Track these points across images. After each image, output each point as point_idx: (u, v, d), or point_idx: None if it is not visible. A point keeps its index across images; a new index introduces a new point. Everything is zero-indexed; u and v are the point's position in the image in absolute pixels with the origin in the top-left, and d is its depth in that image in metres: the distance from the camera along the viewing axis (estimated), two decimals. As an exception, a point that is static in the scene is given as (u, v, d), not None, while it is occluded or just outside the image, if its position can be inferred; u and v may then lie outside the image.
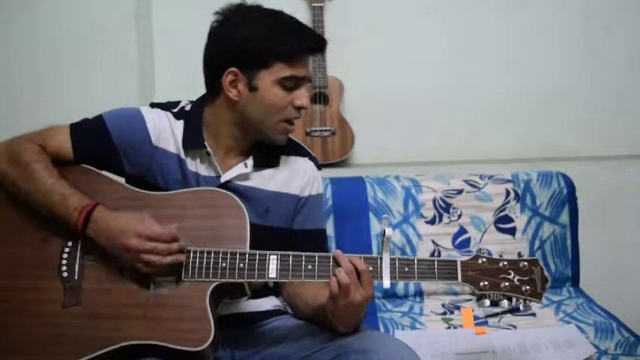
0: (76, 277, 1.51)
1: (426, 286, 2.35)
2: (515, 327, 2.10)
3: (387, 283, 1.49)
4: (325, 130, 2.82)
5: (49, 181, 1.52)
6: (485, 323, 2.13)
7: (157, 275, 1.49)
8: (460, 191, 2.39)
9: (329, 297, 1.48)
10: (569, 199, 2.40)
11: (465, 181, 2.40)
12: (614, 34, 2.93)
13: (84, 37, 2.77)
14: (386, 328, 2.12)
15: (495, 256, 1.53)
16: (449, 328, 2.12)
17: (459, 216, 2.38)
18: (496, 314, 2.18)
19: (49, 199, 1.51)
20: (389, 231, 1.48)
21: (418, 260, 1.51)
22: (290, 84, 1.58)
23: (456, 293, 2.36)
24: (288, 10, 1.64)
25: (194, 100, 1.70)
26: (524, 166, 2.55)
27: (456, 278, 1.50)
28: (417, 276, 1.50)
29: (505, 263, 1.51)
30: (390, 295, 2.35)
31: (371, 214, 2.35)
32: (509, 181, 2.41)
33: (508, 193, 2.39)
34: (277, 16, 1.61)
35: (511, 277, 1.50)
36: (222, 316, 1.61)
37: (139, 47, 2.79)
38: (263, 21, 1.58)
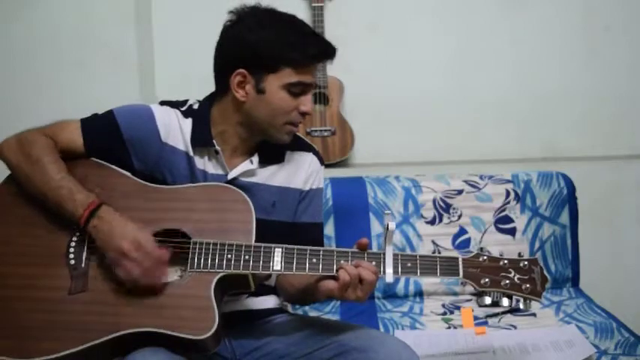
0: (82, 265, 1.53)
1: (426, 286, 2.35)
2: (515, 327, 2.10)
3: (389, 277, 1.50)
4: (325, 130, 2.82)
5: (58, 176, 1.55)
6: (486, 323, 2.13)
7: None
8: (460, 191, 2.39)
9: (338, 287, 1.49)
10: (569, 199, 2.40)
11: (465, 182, 2.41)
12: (614, 34, 2.92)
13: (84, 37, 2.77)
14: (386, 328, 2.12)
15: (496, 255, 1.55)
16: (449, 328, 2.12)
17: (459, 216, 2.38)
18: (496, 314, 2.18)
19: (57, 193, 1.53)
20: (392, 225, 1.50)
21: (420, 256, 1.52)
22: (297, 90, 1.60)
23: (455, 293, 2.36)
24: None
25: (201, 98, 1.71)
26: (524, 166, 2.55)
27: (458, 274, 1.52)
28: (419, 272, 1.51)
29: (506, 262, 1.54)
30: (390, 295, 2.35)
31: (371, 214, 2.35)
32: (509, 181, 2.41)
33: (508, 193, 2.39)
34: (290, 22, 1.63)
35: (511, 275, 1.53)
36: (224, 313, 1.62)
37: (138, 47, 2.79)
38: (276, 26, 1.59)
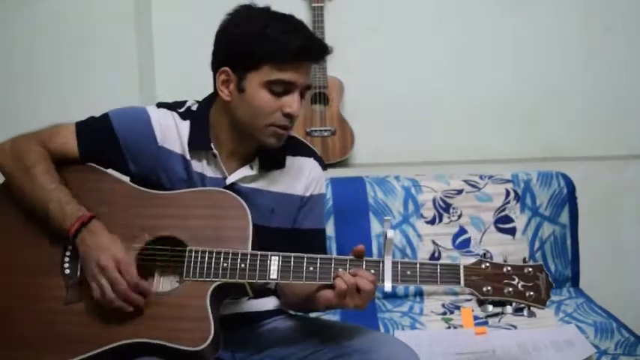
0: (78, 275, 1.51)
1: (427, 286, 2.35)
2: (515, 327, 2.10)
3: (388, 286, 1.47)
4: (325, 130, 2.82)
5: (49, 187, 1.52)
6: (486, 323, 2.13)
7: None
8: (460, 191, 2.39)
9: (334, 295, 1.45)
10: (569, 199, 2.40)
11: (465, 181, 2.40)
12: (614, 34, 2.93)
13: (84, 37, 2.77)
14: (386, 328, 2.12)
15: (499, 260, 1.50)
16: (449, 328, 2.12)
17: (459, 216, 2.38)
18: (496, 314, 2.18)
19: (46, 205, 1.51)
20: (390, 233, 1.45)
21: (420, 264, 1.48)
22: (278, 88, 1.51)
23: (455, 293, 2.35)
24: (287, 11, 1.61)
25: (200, 99, 1.67)
26: (524, 166, 2.55)
27: (459, 283, 1.47)
28: (419, 280, 1.47)
29: (509, 269, 1.48)
30: (390, 295, 2.35)
31: (371, 214, 2.35)
32: (509, 181, 2.41)
33: (508, 193, 2.39)
34: (280, 18, 1.53)
35: (515, 282, 1.47)
36: (223, 316, 1.61)
37: (138, 47, 2.78)
38: (260, 21, 1.50)
